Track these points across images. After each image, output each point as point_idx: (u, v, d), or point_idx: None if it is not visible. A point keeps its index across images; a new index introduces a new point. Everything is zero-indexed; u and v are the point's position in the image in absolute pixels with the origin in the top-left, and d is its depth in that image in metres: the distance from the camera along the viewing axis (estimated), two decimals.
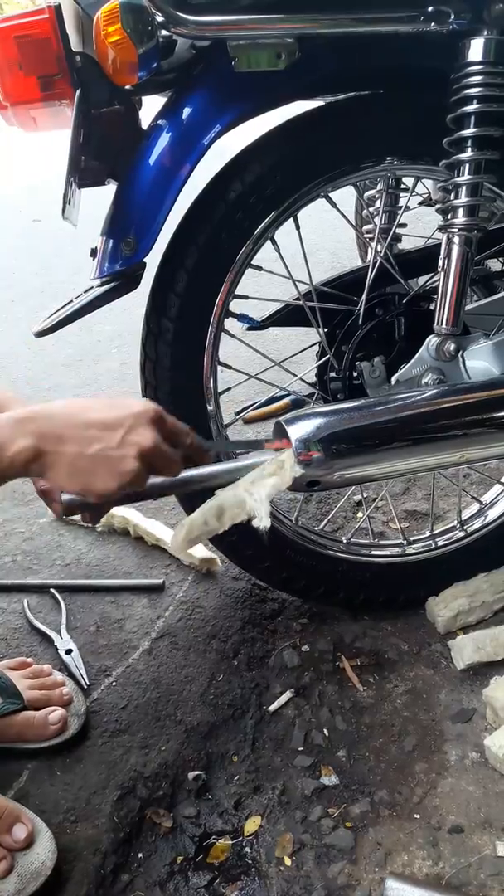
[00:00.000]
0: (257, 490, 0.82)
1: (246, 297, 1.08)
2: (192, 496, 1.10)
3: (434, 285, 1.07)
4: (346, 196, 1.15)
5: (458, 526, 1.28)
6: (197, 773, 1.02)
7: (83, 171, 0.90)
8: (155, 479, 0.81)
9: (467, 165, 0.95)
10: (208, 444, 0.85)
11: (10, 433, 0.70)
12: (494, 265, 1.43)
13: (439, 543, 1.26)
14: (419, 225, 1.65)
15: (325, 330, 1.13)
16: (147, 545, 1.44)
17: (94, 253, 0.99)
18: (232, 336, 1.11)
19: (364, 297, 1.10)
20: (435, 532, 1.29)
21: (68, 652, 1.18)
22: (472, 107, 0.91)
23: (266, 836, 0.95)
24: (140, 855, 0.93)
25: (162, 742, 1.05)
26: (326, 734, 1.07)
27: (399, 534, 1.31)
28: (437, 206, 1.03)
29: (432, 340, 1.03)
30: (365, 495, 1.55)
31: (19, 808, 0.91)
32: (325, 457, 0.89)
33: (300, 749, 1.05)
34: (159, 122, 0.95)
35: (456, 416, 0.96)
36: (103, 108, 0.90)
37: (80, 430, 0.72)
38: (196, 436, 0.83)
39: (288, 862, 0.92)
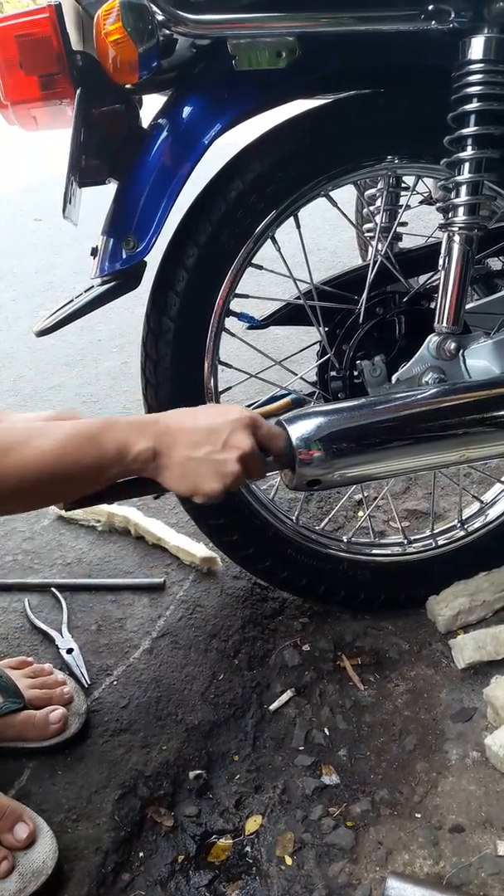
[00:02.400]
0: None
1: (246, 296, 1.08)
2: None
3: (434, 284, 1.07)
4: (346, 195, 1.15)
5: (459, 525, 1.27)
6: (198, 772, 1.02)
7: (84, 170, 0.90)
8: None
9: (468, 164, 0.95)
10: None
11: (135, 434, 0.78)
12: (495, 264, 1.43)
13: (440, 542, 1.26)
14: (420, 224, 1.65)
15: (326, 329, 1.13)
16: (148, 544, 1.44)
17: (94, 252, 0.99)
18: (232, 335, 1.11)
19: (364, 295, 1.10)
20: (436, 531, 1.29)
21: (69, 651, 1.18)
22: (473, 105, 0.91)
23: (267, 835, 0.95)
24: (141, 854, 0.93)
25: (163, 741, 1.05)
26: (327, 733, 1.07)
27: (400, 533, 1.31)
28: (438, 204, 1.03)
29: (433, 339, 1.03)
30: (366, 494, 1.54)
31: (20, 808, 0.91)
32: (326, 455, 0.89)
33: (301, 748, 1.05)
34: (160, 121, 0.95)
35: (456, 415, 0.96)
36: (104, 107, 0.90)
37: (189, 434, 0.80)
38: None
39: (289, 861, 0.92)
